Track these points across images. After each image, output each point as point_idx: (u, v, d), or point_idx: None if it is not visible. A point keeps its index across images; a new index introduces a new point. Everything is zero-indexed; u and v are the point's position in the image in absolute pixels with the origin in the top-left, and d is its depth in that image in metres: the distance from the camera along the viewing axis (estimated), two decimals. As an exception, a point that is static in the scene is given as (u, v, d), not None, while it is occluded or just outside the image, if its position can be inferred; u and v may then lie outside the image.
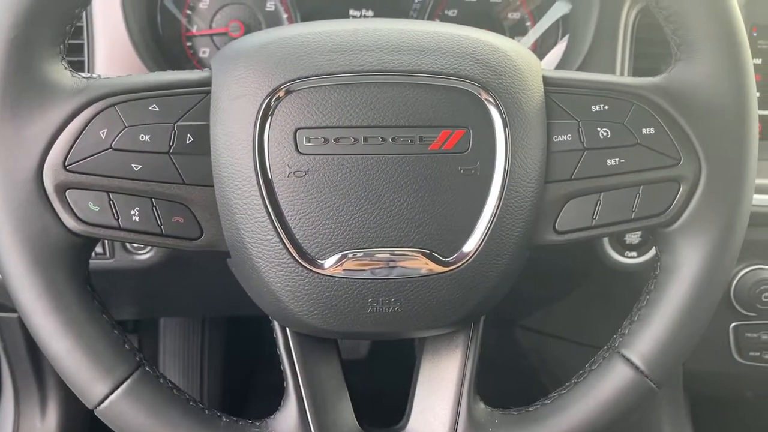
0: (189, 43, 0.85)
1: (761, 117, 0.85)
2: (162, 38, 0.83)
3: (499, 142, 0.50)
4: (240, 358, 1.51)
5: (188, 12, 0.85)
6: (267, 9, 0.85)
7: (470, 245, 0.50)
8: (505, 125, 0.50)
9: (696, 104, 0.52)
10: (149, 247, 0.78)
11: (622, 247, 0.80)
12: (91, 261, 0.52)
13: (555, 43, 0.82)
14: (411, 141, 0.49)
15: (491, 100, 0.50)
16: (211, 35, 0.85)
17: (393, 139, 0.49)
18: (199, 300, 1.11)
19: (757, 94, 0.73)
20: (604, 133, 0.52)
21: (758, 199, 0.79)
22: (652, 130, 0.52)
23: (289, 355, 0.55)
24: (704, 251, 0.53)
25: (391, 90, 0.49)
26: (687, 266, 0.53)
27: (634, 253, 0.81)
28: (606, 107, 0.53)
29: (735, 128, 0.52)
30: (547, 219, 0.53)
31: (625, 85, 0.53)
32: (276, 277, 0.50)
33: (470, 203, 0.50)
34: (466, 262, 0.50)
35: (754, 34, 0.84)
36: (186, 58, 0.85)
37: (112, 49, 0.74)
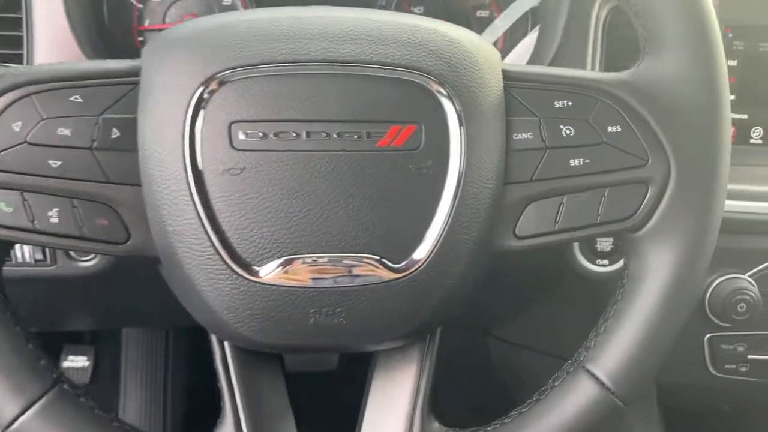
0: (141, 38, 0.81)
1: (736, 121, 0.83)
2: (108, 30, 0.78)
3: (454, 140, 0.46)
4: (207, 370, 1.45)
5: (140, 5, 0.80)
6: (224, 3, 0.81)
7: (422, 251, 0.46)
8: (460, 121, 0.46)
9: (665, 101, 0.49)
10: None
11: (594, 255, 0.77)
12: (31, 268, 0.48)
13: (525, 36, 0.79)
14: (358, 137, 0.45)
15: (445, 93, 0.46)
16: (163, 30, 0.81)
17: (338, 135, 0.45)
18: (157, 310, 1.05)
19: (732, 97, 0.71)
20: (568, 131, 0.49)
21: (732, 205, 0.76)
22: (619, 128, 0.49)
23: (226, 371, 0.51)
24: (674, 258, 0.49)
25: (337, 82, 0.45)
26: (655, 274, 0.50)
27: (606, 261, 0.77)
28: (569, 103, 0.49)
29: (706, 129, 0.49)
30: (506, 223, 0.49)
31: (589, 80, 0.50)
32: (209, 285, 0.46)
33: (422, 205, 0.46)
34: (417, 269, 0.46)
35: (729, 35, 0.82)
36: (137, 53, 0.80)
37: (52, 39, 0.69)
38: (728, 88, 0.50)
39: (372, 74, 0.45)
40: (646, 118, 0.49)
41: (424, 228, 0.46)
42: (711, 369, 0.83)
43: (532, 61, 0.76)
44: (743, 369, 0.82)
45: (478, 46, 0.49)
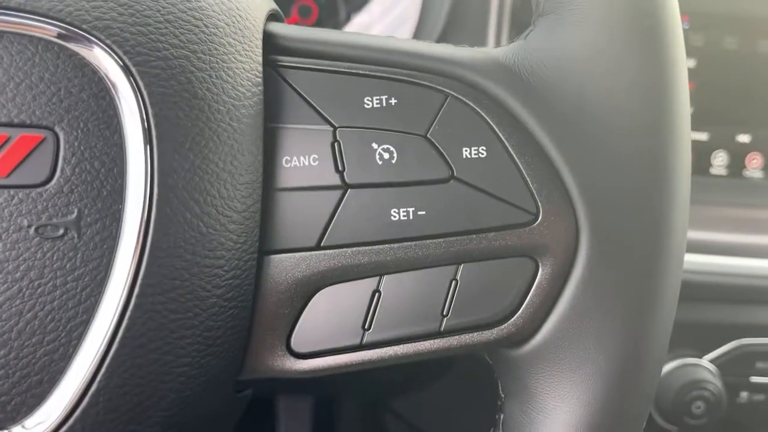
0: None
1: (695, 143, 0.61)
2: None
3: (133, 168, 0.22)
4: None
5: None
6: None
7: (54, 406, 0.22)
8: (148, 132, 0.22)
9: (570, 103, 0.26)
10: None
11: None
12: None
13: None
14: None
15: (112, 70, 0.22)
16: None
17: None
18: None
19: (690, 109, 0.48)
20: (386, 155, 0.25)
21: (687, 261, 0.53)
22: (483, 152, 0.26)
23: None
24: (589, 394, 0.26)
25: None
26: (554, 426, 0.27)
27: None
28: (392, 102, 0.26)
29: (647, 152, 0.26)
30: (270, 329, 0.26)
31: (432, 58, 0.26)
32: None
33: (57, 310, 0.22)
34: None
35: (686, 26, 0.60)
36: None
37: None
38: (684, 86, 0.28)
39: None
40: (535, 133, 0.26)
41: (58, 361, 0.22)
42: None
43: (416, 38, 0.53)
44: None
45: None
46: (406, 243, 0.25)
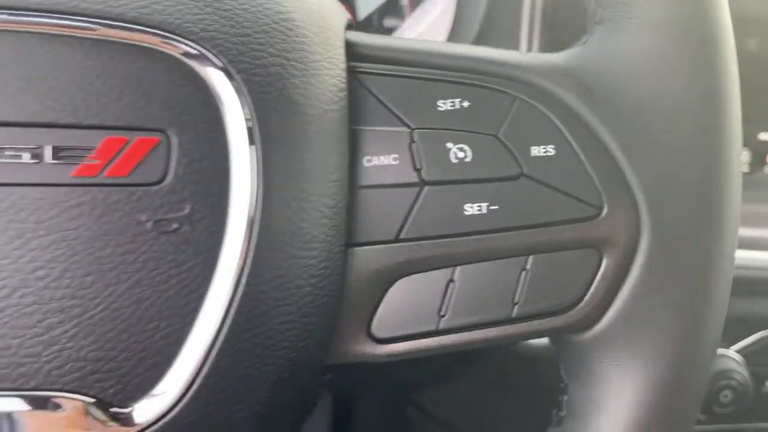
0: None
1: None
2: None
3: (238, 167, 0.24)
4: None
5: None
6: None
7: (170, 385, 0.24)
8: (251, 134, 0.24)
9: (632, 101, 0.28)
10: None
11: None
12: None
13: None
14: (33, 158, 0.23)
15: (223, 78, 0.24)
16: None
17: None
18: None
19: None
20: (460, 154, 0.27)
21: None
22: (550, 150, 0.28)
23: None
24: (649, 380, 0.28)
25: (3, 45, 0.23)
26: (618, 408, 0.29)
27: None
28: (464, 104, 0.28)
29: (703, 151, 0.28)
30: (353, 316, 0.28)
31: (502, 64, 0.28)
32: None
33: (172, 296, 0.24)
34: (160, 420, 0.24)
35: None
36: None
37: None
38: (737, 90, 0.29)
39: (66, 33, 0.23)
40: (599, 133, 0.28)
41: (173, 344, 0.24)
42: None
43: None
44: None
45: None
46: (478, 236, 0.27)
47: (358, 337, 0.28)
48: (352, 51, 0.28)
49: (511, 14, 0.52)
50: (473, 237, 0.27)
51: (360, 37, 0.29)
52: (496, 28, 0.52)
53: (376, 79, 0.28)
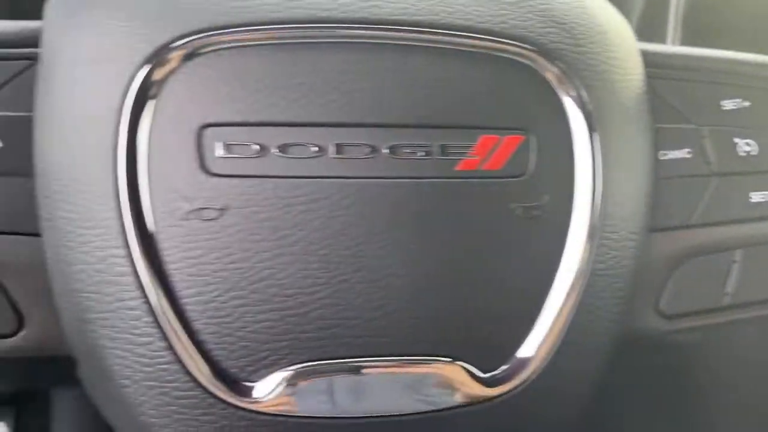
0: None
1: None
2: None
3: (581, 159, 0.27)
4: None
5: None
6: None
7: (529, 348, 0.27)
8: (591, 129, 0.27)
9: None
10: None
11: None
12: None
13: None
14: (424, 155, 0.26)
15: (567, 82, 0.27)
16: None
17: (390, 151, 0.26)
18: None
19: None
20: (746, 148, 0.31)
21: None
22: None
23: None
24: None
25: (385, 59, 0.26)
26: None
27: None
28: (746, 104, 0.31)
29: None
30: (645, 293, 0.31)
31: None
32: (163, 416, 0.26)
33: (531, 272, 0.27)
34: (523, 379, 0.27)
35: None
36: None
37: None
38: None
39: (443, 46, 0.26)
40: None
41: (534, 310, 0.27)
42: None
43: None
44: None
45: (607, 14, 0.30)
46: (763, 222, 0.31)
47: (649, 313, 0.31)
48: (645, 58, 0.31)
49: (659, 12, 0.55)
50: (756, 222, 0.31)
51: (649, 47, 0.32)
52: (646, 25, 0.55)
53: (664, 82, 0.31)
